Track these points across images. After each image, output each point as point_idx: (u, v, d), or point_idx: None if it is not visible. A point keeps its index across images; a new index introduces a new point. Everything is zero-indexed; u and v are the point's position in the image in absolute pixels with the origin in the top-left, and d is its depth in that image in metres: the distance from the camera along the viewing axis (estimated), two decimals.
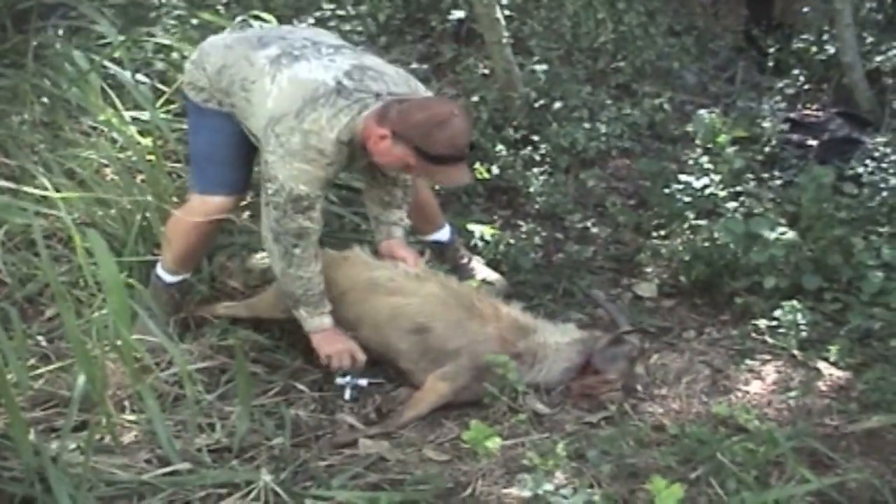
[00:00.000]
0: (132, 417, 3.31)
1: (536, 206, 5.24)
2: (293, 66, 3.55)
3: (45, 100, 4.69)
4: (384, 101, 3.48)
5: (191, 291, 4.08)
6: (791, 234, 4.32)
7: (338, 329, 3.73)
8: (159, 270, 3.93)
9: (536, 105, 5.77)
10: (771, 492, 2.90)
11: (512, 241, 4.89)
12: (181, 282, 3.96)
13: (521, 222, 5.14)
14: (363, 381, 3.73)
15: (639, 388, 3.78)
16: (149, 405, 3.04)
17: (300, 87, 3.48)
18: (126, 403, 3.41)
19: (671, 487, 2.74)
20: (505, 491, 3.11)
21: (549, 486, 2.93)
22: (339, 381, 3.73)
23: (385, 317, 3.75)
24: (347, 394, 3.70)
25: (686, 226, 4.85)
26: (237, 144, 3.77)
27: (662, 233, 4.98)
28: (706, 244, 4.54)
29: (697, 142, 5.30)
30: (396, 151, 3.41)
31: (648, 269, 4.80)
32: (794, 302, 4.04)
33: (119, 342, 2.93)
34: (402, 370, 3.79)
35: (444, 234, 4.44)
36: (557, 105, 5.76)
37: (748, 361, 3.94)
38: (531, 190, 5.23)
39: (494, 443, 3.08)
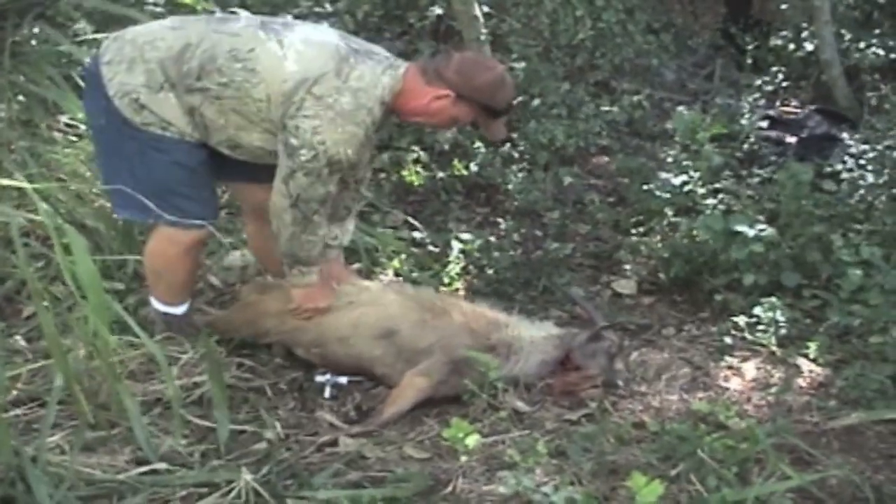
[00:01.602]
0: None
1: (515, 204, 5.25)
2: (294, 30, 3.44)
3: (21, 97, 4.63)
4: (404, 63, 3.45)
5: None
6: (770, 232, 4.33)
7: (325, 288, 3.73)
8: (161, 306, 3.78)
9: (514, 102, 5.72)
10: (751, 489, 2.89)
11: (492, 238, 4.91)
12: (189, 308, 3.85)
13: (499, 219, 5.15)
14: (343, 380, 3.71)
15: (620, 383, 3.78)
16: (126, 405, 3.00)
17: (322, 49, 3.37)
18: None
19: (651, 485, 2.74)
20: (486, 488, 3.09)
21: (529, 484, 2.93)
22: (319, 378, 3.71)
23: (348, 329, 3.74)
24: (327, 392, 3.68)
25: (665, 223, 4.87)
26: (203, 175, 3.57)
27: (641, 230, 4.99)
28: (685, 241, 4.55)
29: (676, 139, 5.31)
30: (456, 111, 3.42)
31: (627, 267, 4.81)
32: (774, 299, 4.06)
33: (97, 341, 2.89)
34: (379, 377, 3.76)
35: None
36: (536, 102, 5.77)
37: (728, 358, 3.95)
38: (510, 187, 5.23)
39: (474, 440, 3.07)
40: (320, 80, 3.30)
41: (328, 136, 3.29)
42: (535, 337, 3.79)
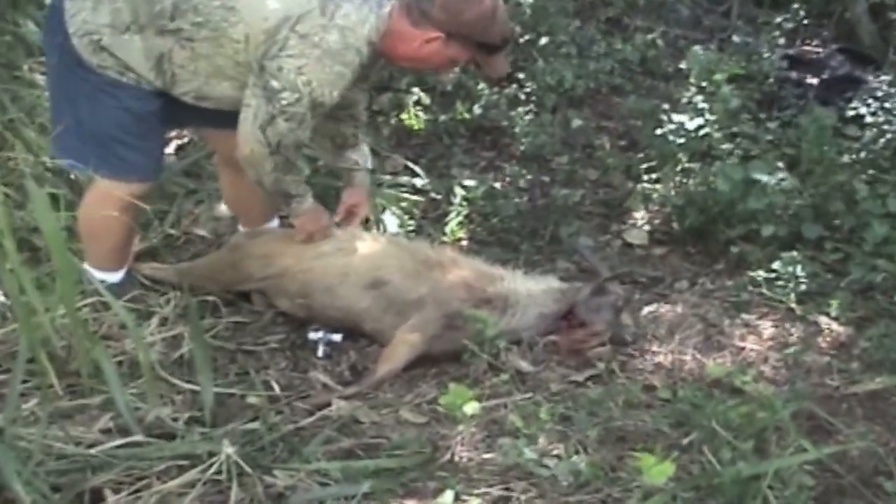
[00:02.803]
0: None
1: (521, 148, 4.99)
2: None
3: (4, 38, 4.43)
4: (388, 2, 3.20)
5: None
6: (790, 180, 4.09)
7: (318, 206, 3.59)
8: (96, 273, 3.50)
9: (521, 41, 5.49)
10: (769, 463, 2.69)
11: (496, 184, 4.68)
12: (127, 276, 3.63)
13: (504, 164, 4.92)
14: (337, 337, 3.52)
15: (628, 339, 3.59)
16: (105, 370, 2.79)
17: None
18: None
19: (661, 465, 2.54)
20: (486, 456, 2.91)
21: (531, 455, 2.75)
22: (312, 336, 3.52)
23: (336, 277, 3.53)
24: (320, 350, 3.49)
25: (679, 169, 4.62)
26: (152, 125, 3.34)
27: (654, 176, 4.75)
28: (700, 189, 4.31)
29: (691, 80, 5.04)
30: (450, 52, 3.19)
31: (639, 215, 4.58)
32: (794, 253, 3.83)
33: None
34: (369, 332, 3.57)
35: (273, 224, 4.00)
36: (544, 41, 5.49)
37: (744, 316, 3.75)
38: (516, 130, 4.98)
39: (473, 408, 2.88)
40: (304, 17, 3.07)
41: (314, 76, 3.09)
42: (533, 290, 3.62)
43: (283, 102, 3.11)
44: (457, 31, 3.15)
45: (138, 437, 2.72)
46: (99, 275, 3.48)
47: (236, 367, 3.38)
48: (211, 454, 2.69)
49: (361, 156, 3.78)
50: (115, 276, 3.56)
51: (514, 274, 3.67)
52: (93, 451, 2.62)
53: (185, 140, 4.68)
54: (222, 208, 4.12)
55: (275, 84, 3.10)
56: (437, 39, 3.15)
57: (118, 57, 3.16)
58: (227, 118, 3.30)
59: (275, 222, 3.95)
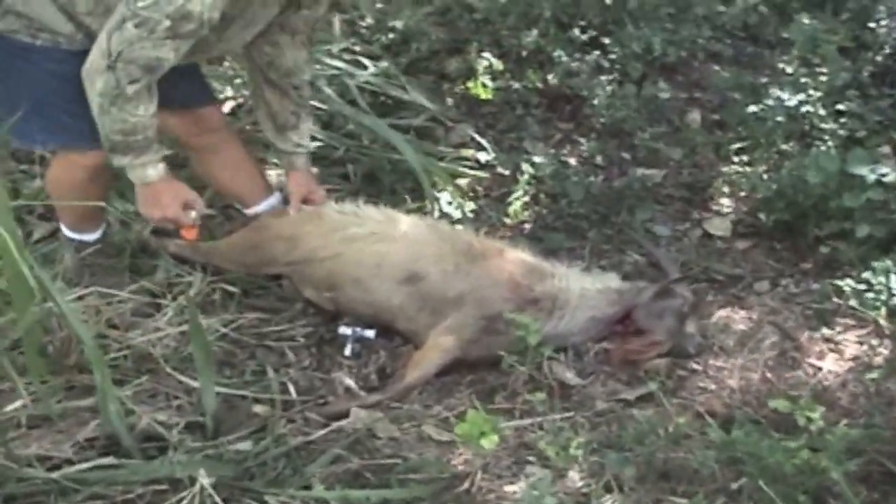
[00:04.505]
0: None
1: (602, 121, 4.57)
2: None
3: None
4: None
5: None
6: (894, 176, 3.60)
7: (170, 179, 3.04)
8: (70, 233, 3.29)
9: (609, 2, 5.04)
10: None
11: (571, 160, 4.30)
12: (104, 234, 3.36)
13: (582, 139, 4.52)
14: (370, 333, 3.21)
15: (691, 350, 3.21)
16: (95, 372, 2.51)
17: None
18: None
19: None
20: (508, 489, 2.61)
21: (551, 501, 2.40)
22: (343, 330, 3.22)
23: (367, 268, 3.21)
24: (348, 349, 3.19)
25: (774, 151, 4.17)
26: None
27: (745, 158, 4.30)
28: (793, 176, 3.84)
29: (794, 52, 4.56)
30: None
31: (724, 202, 4.14)
32: (889, 262, 3.36)
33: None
34: (402, 332, 3.25)
35: (271, 202, 3.59)
36: (633, 3, 5.01)
37: (825, 330, 3.31)
38: (595, 102, 4.56)
39: (491, 441, 2.53)
40: None
41: None
42: (587, 290, 3.25)
43: (140, 4, 2.62)
44: None
45: (108, 461, 2.44)
46: (73, 235, 3.26)
47: (254, 364, 3.11)
48: (192, 479, 2.42)
49: (302, 136, 3.40)
50: (92, 236, 3.31)
51: (567, 270, 3.32)
52: (55, 474, 2.36)
53: (230, 106, 4.39)
54: (271, 178, 3.83)
55: None
56: None
57: (26, 16, 2.82)
58: (173, 92, 2.96)
59: (273, 199, 3.57)
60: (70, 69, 2.80)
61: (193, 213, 3.10)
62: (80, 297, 2.99)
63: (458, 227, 3.67)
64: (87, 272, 3.21)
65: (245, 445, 2.60)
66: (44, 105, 2.90)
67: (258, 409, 2.85)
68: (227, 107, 4.33)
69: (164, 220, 3.08)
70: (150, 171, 2.94)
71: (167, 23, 2.63)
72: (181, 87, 3.02)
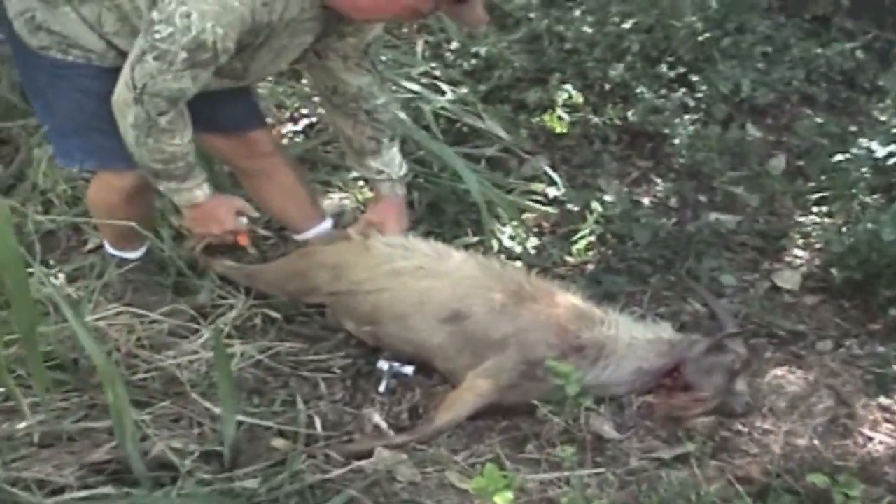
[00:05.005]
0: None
1: (681, 161, 4.46)
2: None
3: None
4: None
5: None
6: None
7: (217, 194, 3.06)
8: (113, 250, 3.32)
9: (702, 38, 4.92)
10: None
11: (645, 200, 4.21)
12: (147, 251, 3.37)
13: (658, 179, 4.42)
14: (408, 369, 3.17)
15: (738, 410, 3.10)
16: (113, 395, 2.52)
17: None
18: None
19: None
20: None
21: None
22: (381, 364, 3.18)
23: (411, 305, 3.14)
24: (383, 385, 3.15)
25: (855, 203, 4.02)
26: None
27: (824, 209, 4.15)
28: (869, 230, 3.68)
29: (888, 100, 4.39)
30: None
31: (797, 254, 4.00)
32: None
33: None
34: (440, 371, 3.20)
35: (321, 229, 3.55)
36: (726, 41, 4.89)
37: (883, 399, 3.17)
38: (676, 141, 4.45)
39: (506, 498, 2.45)
40: None
41: (194, 5, 2.57)
42: (636, 339, 3.15)
43: (156, 36, 2.61)
44: None
45: (107, 490, 2.44)
46: (115, 252, 3.28)
47: (285, 394, 3.09)
48: None
49: (386, 163, 3.33)
50: (134, 254, 3.33)
51: (619, 317, 3.21)
52: (50, 501, 2.37)
53: (303, 124, 4.40)
54: (327, 204, 3.83)
55: (154, 15, 2.62)
56: None
57: (58, 33, 2.82)
58: (217, 116, 2.99)
59: (323, 225, 3.54)
60: (103, 86, 2.81)
61: (244, 219, 3.14)
62: (118, 314, 3.01)
63: (513, 265, 3.60)
64: (130, 288, 3.24)
65: (251, 483, 2.57)
66: (80, 124, 2.93)
67: (279, 442, 2.82)
68: (301, 125, 4.35)
69: (225, 233, 3.11)
70: (196, 192, 2.96)
71: (184, 54, 2.63)
72: (229, 111, 3.04)
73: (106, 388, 2.47)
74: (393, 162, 3.35)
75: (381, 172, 3.34)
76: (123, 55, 2.78)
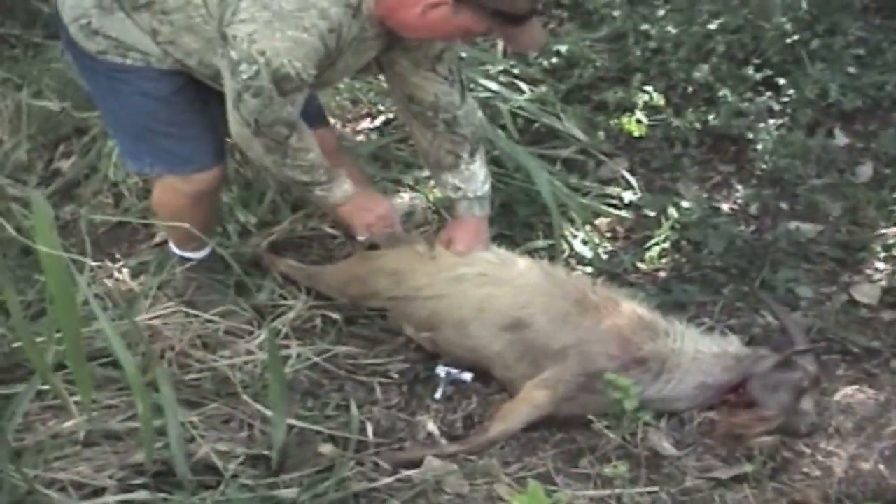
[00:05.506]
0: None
1: (763, 166, 4.36)
2: None
3: None
4: None
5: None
6: None
7: (365, 190, 3.19)
8: (178, 251, 3.37)
9: (790, 40, 4.79)
10: None
11: (724, 206, 4.13)
12: (212, 251, 3.37)
13: (739, 185, 4.32)
14: (466, 376, 3.18)
15: (802, 430, 3.04)
16: (161, 394, 2.56)
17: None
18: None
19: None
20: None
21: None
22: (440, 370, 3.18)
23: (471, 311, 3.13)
24: (439, 392, 3.16)
25: None
26: (183, 107, 3.01)
27: None
28: None
29: None
30: (460, 20, 2.69)
31: (878, 266, 3.88)
32: None
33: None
34: (498, 379, 3.18)
35: None
36: (815, 43, 4.75)
37: None
38: (759, 147, 4.35)
39: None
40: None
41: (266, 43, 2.63)
42: (701, 352, 3.10)
43: (244, 77, 2.69)
44: None
45: (142, 495, 2.47)
46: (180, 252, 3.34)
47: (339, 398, 3.10)
48: None
49: (464, 180, 3.29)
50: (199, 254, 3.37)
51: (685, 329, 3.17)
52: None
53: (380, 121, 4.39)
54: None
55: (233, 55, 2.68)
56: (444, 5, 2.67)
57: (114, 38, 2.87)
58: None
59: None
60: (165, 88, 2.90)
61: None
62: (174, 313, 3.04)
63: (579, 272, 3.56)
64: (193, 286, 3.29)
65: (290, 493, 2.57)
66: (144, 128, 2.99)
67: (326, 448, 2.83)
68: (378, 121, 4.35)
69: (382, 217, 3.20)
70: (346, 187, 3.09)
71: (272, 87, 2.70)
72: None
73: (135, 394, 2.42)
74: (472, 179, 3.29)
75: (457, 189, 3.30)
76: (181, 62, 2.84)
